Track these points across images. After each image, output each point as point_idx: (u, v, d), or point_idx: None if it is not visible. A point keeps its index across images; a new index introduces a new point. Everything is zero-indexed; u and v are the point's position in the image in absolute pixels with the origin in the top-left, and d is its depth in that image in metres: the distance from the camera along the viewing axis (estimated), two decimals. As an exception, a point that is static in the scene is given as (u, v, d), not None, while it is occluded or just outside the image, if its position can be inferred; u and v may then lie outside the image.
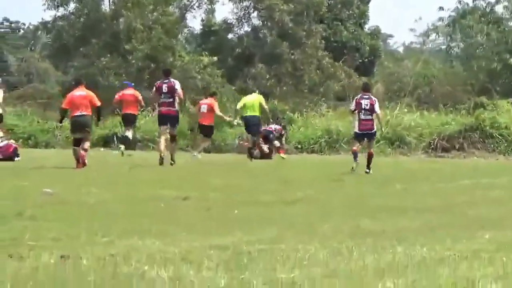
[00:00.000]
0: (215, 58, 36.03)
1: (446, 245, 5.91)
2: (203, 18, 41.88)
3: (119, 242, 6.09)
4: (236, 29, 41.93)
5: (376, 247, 5.77)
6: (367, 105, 15.34)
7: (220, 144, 25.23)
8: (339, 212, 8.73)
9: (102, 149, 24.01)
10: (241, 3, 40.47)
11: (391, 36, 73.40)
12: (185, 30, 43.73)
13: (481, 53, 39.41)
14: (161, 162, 16.20)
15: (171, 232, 6.75)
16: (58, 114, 18.18)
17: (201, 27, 42.90)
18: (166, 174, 14.42)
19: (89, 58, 35.15)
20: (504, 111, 27.65)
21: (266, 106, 20.33)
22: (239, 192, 10.84)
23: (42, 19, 45.91)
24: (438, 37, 44.36)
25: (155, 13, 35.82)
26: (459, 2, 40.45)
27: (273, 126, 22.44)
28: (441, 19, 41.50)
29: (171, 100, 16.57)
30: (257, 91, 21.20)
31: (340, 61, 39.69)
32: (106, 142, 25.33)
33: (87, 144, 15.51)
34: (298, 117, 28.50)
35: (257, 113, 19.67)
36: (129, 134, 20.75)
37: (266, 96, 22.83)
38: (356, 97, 15.92)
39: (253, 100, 19.85)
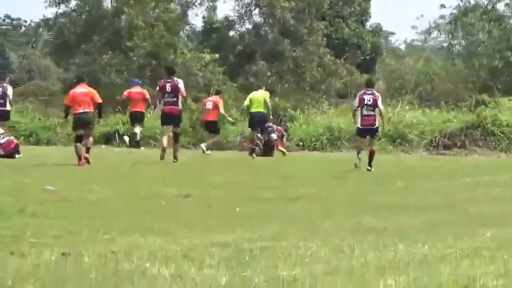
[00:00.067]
0: (217, 55, 35.96)
1: (447, 242, 5.91)
2: (205, 15, 41.83)
3: (120, 239, 6.10)
4: (237, 26, 41.86)
5: (378, 245, 5.77)
6: (369, 100, 15.34)
7: (222, 141, 25.19)
8: (340, 209, 8.74)
9: (103, 146, 23.98)
10: (242, 0, 40.41)
11: (392, 33, 73.19)
12: (187, 27, 43.59)
13: (483, 50, 39.35)
14: (162, 156, 16.17)
15: (173, 229, 6.76)
16: (60, 111, 18.23)
17: (203, 25, 42.84)
18: (167, 172, 14.41)
19: (91, 55, 35.08)
20: (505, 108, 27.64)
21: (269, 104, 20.48)
22: (240, 189, 10.84)
23: (44, 16, 46.06)
24: (440, 34, 44.34)
25: (156, 10, 35.73)
26: (461, 0, 40.49)
27: (275, 126, 22.39)
28: (442, 16, 41.52)
29: (174, 99, 16.48)
30: (264, 88, 21.54)
31: (342, 59, 39.57)
32: (107, 139, 25.27)
33: (90, 142, 15.51)
34: (299, 114, 28.44)
35: (262, 109, 19.89)
36: (138, 131, 21.03)
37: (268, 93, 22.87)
38: (359, 93, 15.93)
39: (259, 96, 20.23)
